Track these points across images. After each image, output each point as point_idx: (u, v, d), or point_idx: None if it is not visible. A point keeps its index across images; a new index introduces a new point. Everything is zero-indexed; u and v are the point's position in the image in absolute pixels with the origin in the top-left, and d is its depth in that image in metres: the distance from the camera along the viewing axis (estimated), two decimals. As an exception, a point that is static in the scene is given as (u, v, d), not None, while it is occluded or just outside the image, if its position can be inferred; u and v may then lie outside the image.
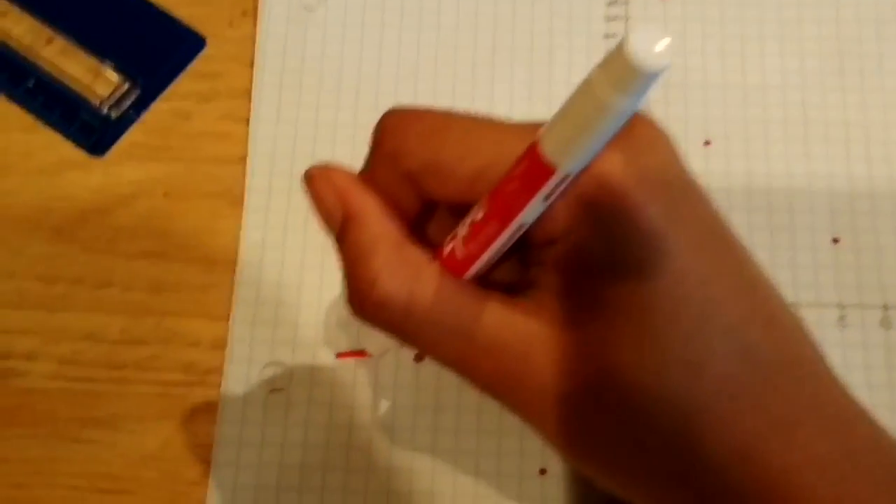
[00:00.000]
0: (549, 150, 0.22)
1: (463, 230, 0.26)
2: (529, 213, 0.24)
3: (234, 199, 0.40)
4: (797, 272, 0.39)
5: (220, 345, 0.38)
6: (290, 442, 0.37)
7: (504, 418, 0.37)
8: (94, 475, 0.36)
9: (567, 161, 0.22)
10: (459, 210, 0.27)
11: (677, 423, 0.25)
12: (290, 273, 0.39)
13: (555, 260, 0.26)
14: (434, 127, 0.27)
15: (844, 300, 0.39)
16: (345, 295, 0.28)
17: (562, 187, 0.23)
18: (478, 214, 0.26)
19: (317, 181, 0.28)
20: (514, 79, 0.42)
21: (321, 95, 0.42)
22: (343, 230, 0.28)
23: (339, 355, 0.38)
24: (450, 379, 0.37)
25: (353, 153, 0.41)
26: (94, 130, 0.41)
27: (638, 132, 0.26)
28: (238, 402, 0.37)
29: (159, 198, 0.40)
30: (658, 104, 0.41)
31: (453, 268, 0.27)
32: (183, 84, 0.42)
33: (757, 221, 0.40)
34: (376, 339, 0.35)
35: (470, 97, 0.42)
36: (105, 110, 0.41)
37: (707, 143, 0.41)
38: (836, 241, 0.39)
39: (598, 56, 0.41)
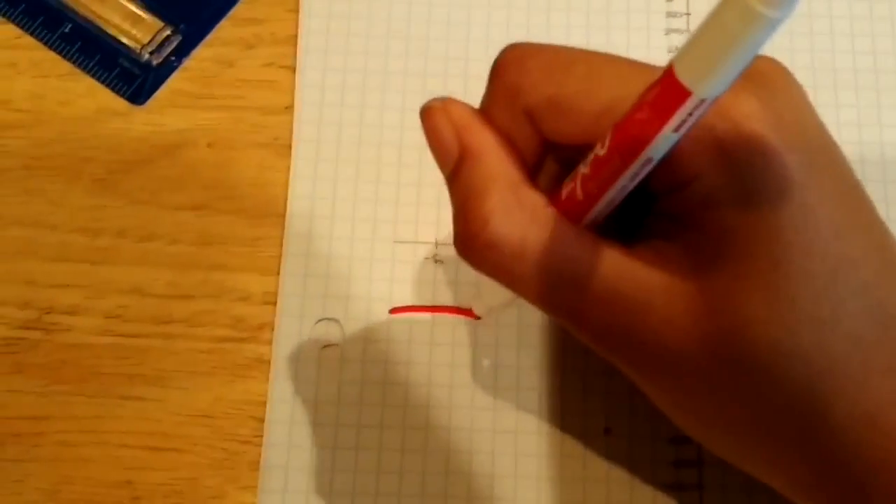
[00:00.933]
0: (686, 70, 0.20)
1: (584, 168, 0.25)
2: (658, 145, 0.22)
3: (282, 150, 0.39)
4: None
5: (270, 299, 0.37)
6: (345, 399, 0.36)
7: (567, 377, 0.36)
8: (143, 433, 0.35)
9: (705, 83, 0.20)
10: (572, 162, 0.26)
11: (803, 383, 0.24)
12: (342, 226, 0.38)
13: (679, 207, 0.25)
14: (558, 60, 0.26)
15: None
16: (454, 235, 0.26)
17: (696, 116, 0.21)
18: (601, 149, 0.24)
19: (434, 114, 0.27)
20: (571, 25, 0.41)
21: (370, 42, 0.40)
22: (458, 167, 0.26)
23: (394, 310, 0.37)
24: (509, 336, 0.36)
25: (404, 103, 0.39)
26: (134, 78, 0.39)
27: (769, 74, 0.24)
28: (291, 359, 0.36)
29: (203, 148, 0.39)
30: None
31: (571, 212, 0.26)
32: (225, 30, 0.40)
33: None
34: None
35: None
36: (145, 57, 0.40)
37: (773, 91, 0.39)
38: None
39: (658, 18, 0.40)
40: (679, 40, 0.40)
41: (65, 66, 0.40)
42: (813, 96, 0.26)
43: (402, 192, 0.38)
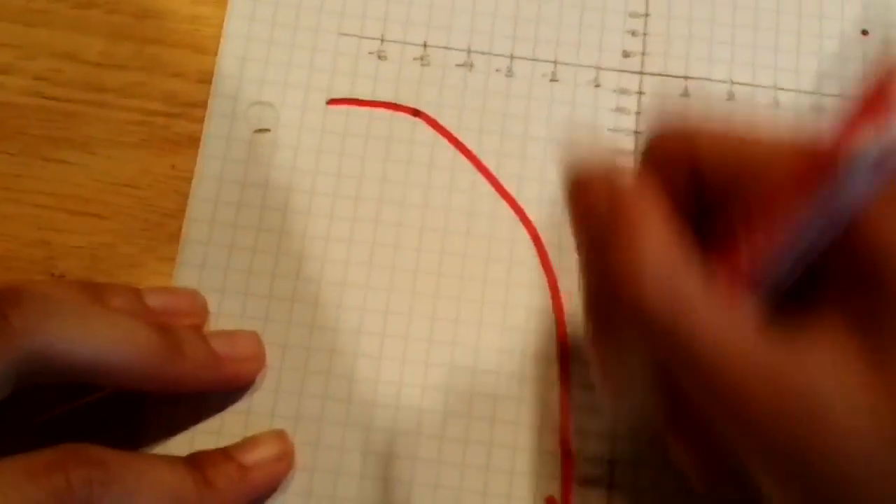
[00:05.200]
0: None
1: (751, 234, 0.23)
2: (854, 166, 0.21)
3: (230, -69, 0.37)
4: (823, 61, 0.37)
5: (206, 79, 0.36)
6: (273, 183, 0.35)
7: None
8: (64, 196, 0.34)
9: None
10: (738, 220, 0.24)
11: None
12: (286, 12, 0.37)
13: (854, 279, 0.23)
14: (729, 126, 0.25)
15: (868, 94, 0.37)
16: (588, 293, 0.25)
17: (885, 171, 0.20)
18: (770, 215, 0.23)
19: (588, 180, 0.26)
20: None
21: None
22: (613, 231, 0.24)
23: (332, 102, 0.36)
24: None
25: None
26: None
27: None
28: (222, 138, 0.35)
29: (150, -78, 0.37)
30: None
31: (732, 280, 0.24)
32: None
33: (786, 5, 0.38)
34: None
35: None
36: None
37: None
38: (864, 33, 0.37)
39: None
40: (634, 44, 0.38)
41: None
42: None
43: (351, -16, 0.37)
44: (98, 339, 0.28)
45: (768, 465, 0.23)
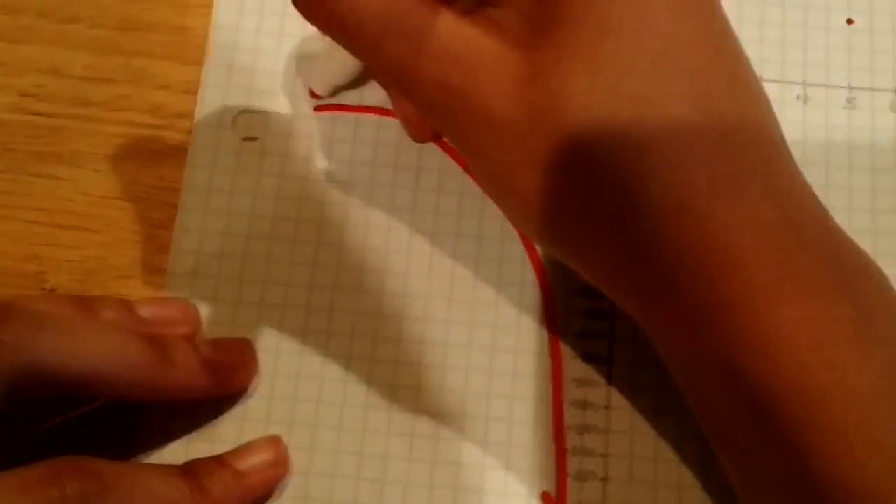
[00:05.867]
0: None
1: None
2: None
3: (212, -58, 0.37)
4: (808, 52, 0.37)
5: (192, 89, 0.36)
6: (262, 191, 0.35)
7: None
8: (54, 211, 0.34)
9: None
10: None
11: (619, 160, 0.24)
12: (271, 21, 0.37)
13: None
14: None
15: (854, 83, 0.37)
16: None
17: None
18: None
19: None
20: None
21: None
22: None
23: (318, 108, 0.36)
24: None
25: None
26: None
27: None
28: (209, 148, 0.35)
29: (132, -66, 0.37)
30: None
31: None
32: None
33: (770, -3, 0.38)
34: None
35: None
36: None
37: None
38: (850, 21, 0.37)
39: None
40: None
41: None
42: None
43: (334, -9, 0.37)
44: (88, 352, 0.28)
45: (438, 117, 0.27)
